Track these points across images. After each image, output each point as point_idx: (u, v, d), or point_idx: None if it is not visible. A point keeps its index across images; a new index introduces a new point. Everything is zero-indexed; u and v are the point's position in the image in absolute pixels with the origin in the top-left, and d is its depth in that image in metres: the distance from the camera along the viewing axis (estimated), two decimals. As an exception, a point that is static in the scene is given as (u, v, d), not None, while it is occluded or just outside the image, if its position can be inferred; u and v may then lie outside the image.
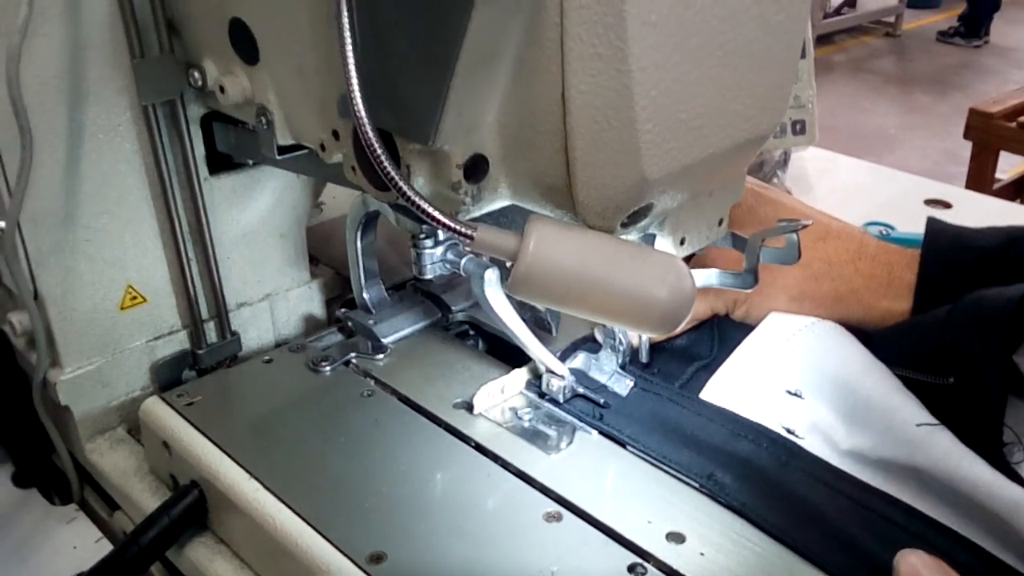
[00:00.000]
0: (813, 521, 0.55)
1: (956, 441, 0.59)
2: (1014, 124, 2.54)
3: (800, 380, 0.68)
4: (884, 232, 1.12)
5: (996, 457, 0.59)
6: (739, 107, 0.49)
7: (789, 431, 0.64)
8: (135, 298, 0.71)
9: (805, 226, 0.55)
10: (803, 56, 1.17)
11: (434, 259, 0.65)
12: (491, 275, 0.62)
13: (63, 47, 0.60)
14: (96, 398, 0.72)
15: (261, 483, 0.60)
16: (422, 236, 0.64)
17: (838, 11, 5.67)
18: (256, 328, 0.79)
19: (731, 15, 0.46)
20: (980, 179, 2.67)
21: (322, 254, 0.88)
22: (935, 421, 0.61)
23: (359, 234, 0.73)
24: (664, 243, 0.54)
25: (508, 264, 0.49)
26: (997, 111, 2.58)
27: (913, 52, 5.48)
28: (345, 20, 0.45)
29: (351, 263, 0.75)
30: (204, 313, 0.74)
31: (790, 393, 0.67)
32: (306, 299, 0.82)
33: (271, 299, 0.79)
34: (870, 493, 0.57)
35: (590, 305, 0.49)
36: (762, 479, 0.58)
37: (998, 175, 2.73)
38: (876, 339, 0.71)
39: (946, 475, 0.58)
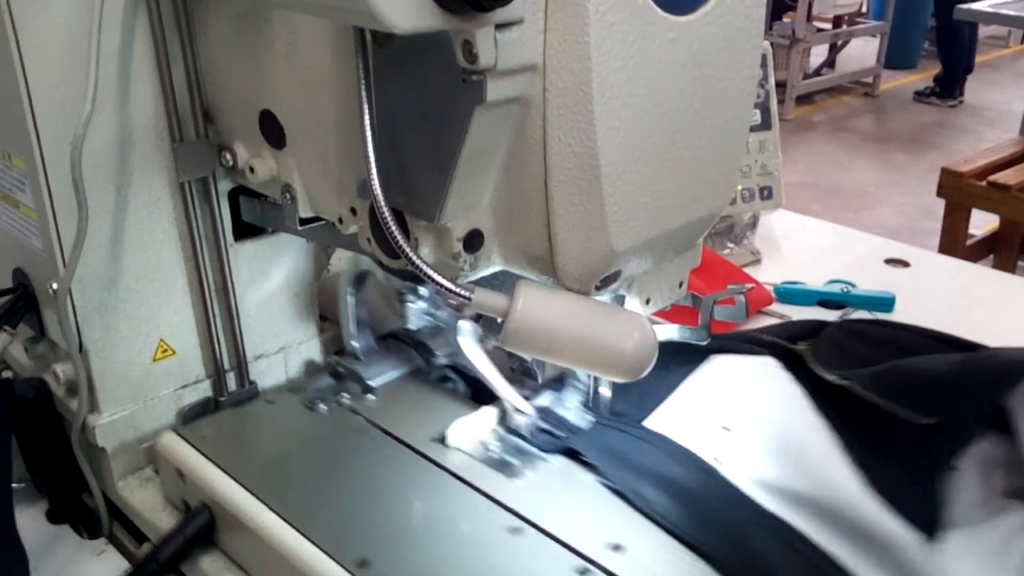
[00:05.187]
0: (718, 530, 0.66)
1: (852, 478, 0.70)
2: (984, 183, 2.63)
3: (732, 416, 0.79)
4: (845, 289, 1.22)
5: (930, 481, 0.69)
6: (691, 191, 0.58)
7: (717, 460, 0.74)
8: (166, 351, 0.79)
9: (751, 288, 0.65)
10: (768, 128, 1.28)
11: (418, 312, 0.76)
12: (464, 325, 0.71)
13: (115, 134, 0.70)
14: (128, 441, 0.79)
15: (265, 504, 0.69)
16: (407, 293, 0.75)
17: (818, 72, 5.84)
18: (271, 378, 0.87)
19: (683, 118, 0.55)
20: (954, 235, 2.74)
21: (328, 312, 0.97)
22: (842, 461, 0.72)
23: (351, 289, 0.83)
24: (632, 303, 0.63)
25: (500, 320, 0.58)
26: (967, 170, 2.67)
27: (891, 112, 5.63)
28: (367, 119, 0.54)
29: (342, 314, 0.84)
30: (226, 364, 0.83)
31: (724, 428, 0.78)
32: (314, 351, 0.91)
33: (285, 351, 0.88)
34: (764, 516, 0.69)
35: (570, 355, 0.57)
36: (684, 496, 0.69)
37: (972, 231, 2.84)
38: (870, 374, 0.79)
39: (840, 505, 0.69)
